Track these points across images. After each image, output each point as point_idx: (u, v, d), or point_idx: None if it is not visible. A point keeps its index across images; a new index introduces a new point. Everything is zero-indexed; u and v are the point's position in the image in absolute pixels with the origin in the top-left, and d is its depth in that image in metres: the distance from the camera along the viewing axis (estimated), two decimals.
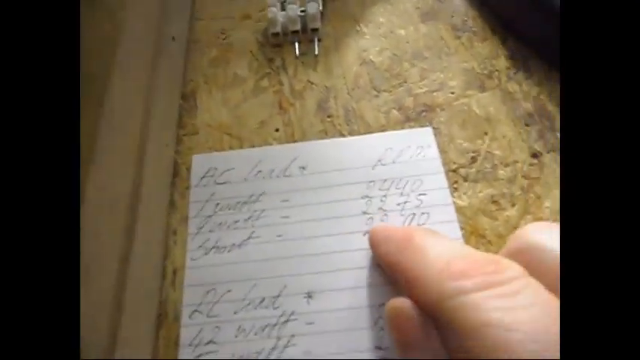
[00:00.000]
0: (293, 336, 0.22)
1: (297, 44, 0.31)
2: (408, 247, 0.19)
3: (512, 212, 0.24)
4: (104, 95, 0.20)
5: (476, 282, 0.16)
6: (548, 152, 0.25)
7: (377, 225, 0.23)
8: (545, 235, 0.17)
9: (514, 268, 0.16)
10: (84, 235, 0.17)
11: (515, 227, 0.23)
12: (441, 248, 0.18)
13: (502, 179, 0.25)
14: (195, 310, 0.22)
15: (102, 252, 0.18)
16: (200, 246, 0.24)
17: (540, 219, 0.23)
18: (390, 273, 0.21)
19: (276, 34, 0.31)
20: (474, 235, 0.23)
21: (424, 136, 0.27)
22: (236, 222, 0.25)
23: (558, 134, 0.26)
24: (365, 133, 0.27)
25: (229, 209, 0.25)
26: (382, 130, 0.27)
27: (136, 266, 0.20)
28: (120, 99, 0.21)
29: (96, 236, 0.18)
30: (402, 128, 0.27)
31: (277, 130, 0.28)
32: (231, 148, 0.28)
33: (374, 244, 0.22)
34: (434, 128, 0.27)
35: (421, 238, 0.19)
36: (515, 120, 0.27)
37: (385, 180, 0.25)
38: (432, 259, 0.18)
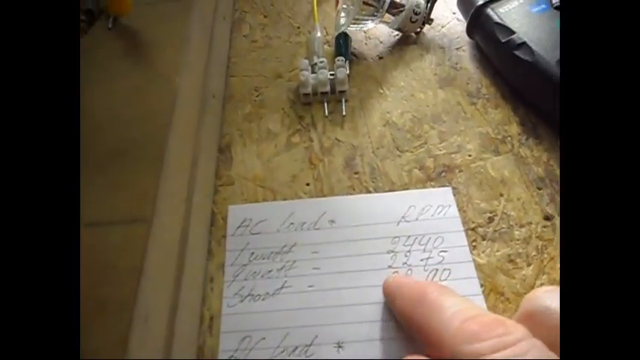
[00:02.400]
0: None
1: (326, 104, 0.34)
2: (423, 303, 0.20)
3: (528, 272, 0.26)
4: (164, 154, 0.22)
5: (489, 345, 0.17)
6: (559, 215, 0.28)
7: (389, 277, 0.25)
8: (551, 299, 0.19)
9: (520, 330, 0.18)
10: (144, 283, 0.18)
11: (532, 286, 0.25)
12: (455, 308, 0.19)
13: (518, 239, 0.27)
14: (232, 357, 0.23)
15: (157, 299, 0.20)
16: (236, 293, 0.26)
17: (554, 280, 0.25)
18: (405, 325, 0.23)
19: (306, 94, 0.34)
20: (493, 292, 0.25)
21: (445, 195, 0.29)
22: (270, 271, 0.26)
23: None
24: (389, 190, 0.29)
25: (263, 259, 0.27)
26: (405, 188, 0.29)
27: (181, 313, 0.22)
28: (175, 156, 0.23)
29: (153, 284, 0.19)
30: (424, 187, 0.29)
31: (308, 184, 0.30)
32: (264, 199, 0.30)
33: (389, 297, 0.24)
34: (453, 188, 0.29)
35: (434, 295, 0.20)
36: (528, 183, 0.29)
37: (409, 236, 0.27)
38: (447, 318, 0.19)
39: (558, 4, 0.32)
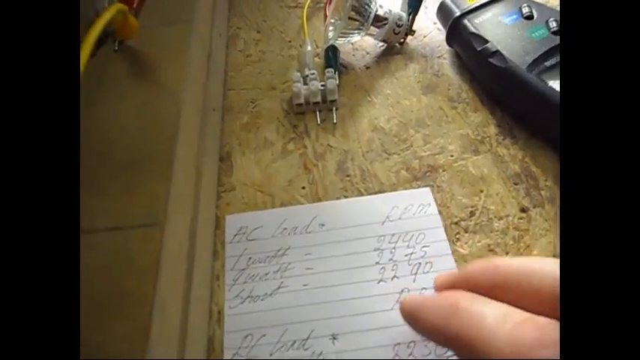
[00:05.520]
0: None
1: (318, 113, 0.36)
2: (456, 312, 0.19)
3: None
4: (172, 165, 0.24)
5: (554, 352, 0.15)
6: (534, 207, 0.30)
7: (405, 298, 0.22)
8: (524, 264, 0.18)
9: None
10: (160, 278, 0.21)
11: None
12: (496, 311, 0.18)
13: (497, 231, 0.29)
14: (236, 353, 0.26)
15: (172, 293, 0.22)
16: (236, 296, 0.28)
17: None
18: (436, 341, 0.21)
19: (299, 105, 0.36)
20: None
21: (424, 195, 0.31)
22: (266, 274, 0.29)
23: (542, 192, 0.31)
24: (379, 191, 0.32)
25: (260, 262, 0.29)
26: (393, 188, 0.32)
27: (193, 306, 0.24)
28: (182, 165, 0.26)
29: (168, 280, 0.22)
30: (411, 186, 0.32)
31: (304, 187, 0.33)
32: (263, 203, 0.32)
33: (410, 316, 0.22)
34: (437, 187, 0.32)
35: (467, 302, 0.19)
36: (506, 179, 0.32)
37: (393, 234, 0.30)
38: (491, 325, 0.17)
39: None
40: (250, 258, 0.29)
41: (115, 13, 0.26)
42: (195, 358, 0.23)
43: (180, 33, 0.32)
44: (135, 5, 0.34)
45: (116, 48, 0.32)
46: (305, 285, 0.28)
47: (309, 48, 0.40)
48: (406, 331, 0.26)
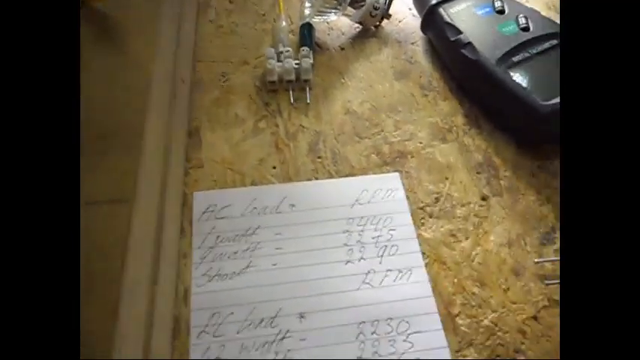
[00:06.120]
0: (289, 351, 0.26)
1: (291, 92, 0.36)
2: None
3: (466, 244, 0.30)
4: (141, 140, 0.23)
5: None
6: (494, 196, 0.32)
7: None
8: None
9: None
10: (128, 259, 0.20)
11: (469, 256, 0.29)
12: None
13: (459, 217, 0.31)
14: (203, 331, 0.26)
15: (140, 273, 0.21)
16: (204, 274, 0.28)
17: (487, 250, 0.29)
18: None
19: (272, 82, 0.36)
20: (437, 262, 0.29)
21: (393, 180, 0.32)
22: (235, 253, 0.29)
23: (501, 182, 0.32)
24: (349, 174, 0.32)
25: (229, 241, 0.29)
26: (364, 172, 0.33)
27: (160, 286, 0.24)
28: (150, 140, 0.25)
29: (135, 259, 0.21)
30: (380, 171, 0.33)
31: (274, 167, 0.32)
32: (233, 181, 0.32)
33: None
34: (406, 172, 0.33)
35: None
36: (470, 168, 0.33)
37: (362, 217, 0.31)
38: None
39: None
40: (219, 236, 0.29)
41: None
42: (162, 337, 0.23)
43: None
44: None
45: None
46: (274, 264, 0.28)
47: (284, 24, 0.39)
48: (370, 311, 0.27)
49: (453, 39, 0.36)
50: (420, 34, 0.41)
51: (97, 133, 0.23)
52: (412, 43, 0.41)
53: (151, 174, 0.24)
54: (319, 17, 0.39)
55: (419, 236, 0.30)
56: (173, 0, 0.33)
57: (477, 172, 0.33)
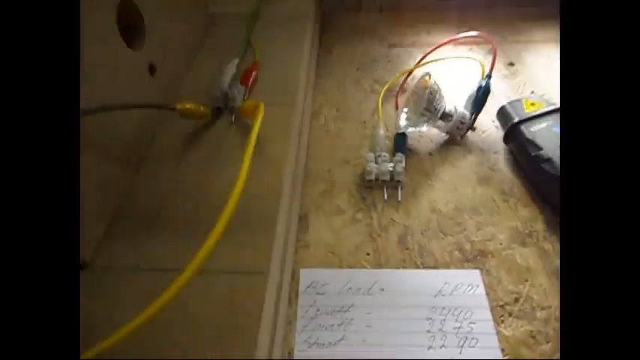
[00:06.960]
0: None
1: (385, 190, 0.42)
2: None
3: (546, 347, 0.32)
4: (275, 226, 0.31)
5: None
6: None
7: None
8: None
9: None
10: (263, 320, 0.26)
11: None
12: None
13: (539, 319, 0.33)
14: None
15: (266, 333, 0.27)
16: (305, 341, 0.33)
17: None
18: None
19: (370, 180, 0.43)
20: None
21: (474, 277, 0.36)
22: (332, 325, 0.34)
23: None
24: (433, 266, 0.37)
25: (327, 315, 0.34)
26: (446, 266, 0.37)
27: (275, 346, 0.29)
28: (280, 227, 0.32)
29: (265, 321, 0.27)
30: (462, 266, 0.37)
31: (368, 254, 0.38)
32: (332, 263, 0.37)
33: None
34: (486, 270, 0.36)
35: None
36: (550, 273, 0.36)
37: (444, 307, 0.34)
38: None
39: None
40: (319, 309, 0.35)
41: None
42: None
43: (283, 114, 0.39)
44: (249, 86, 0.42)
45: (232, 120, 0.40)
46: (364, 340, 0.33)
47: (381, 132, 0.46)
48: None
49: (533, 154, 0.40)
50: (502, 144, 0.46)
51: (243, 219, 0.31)
52: (495, 152, 0.46)
53: (277, 251, 0.31)
54: (412, 128, 0.46)
55: (498, 333, 0.32)
56: (298, 115, 0.43)
57: (558, 278, 0.35)
